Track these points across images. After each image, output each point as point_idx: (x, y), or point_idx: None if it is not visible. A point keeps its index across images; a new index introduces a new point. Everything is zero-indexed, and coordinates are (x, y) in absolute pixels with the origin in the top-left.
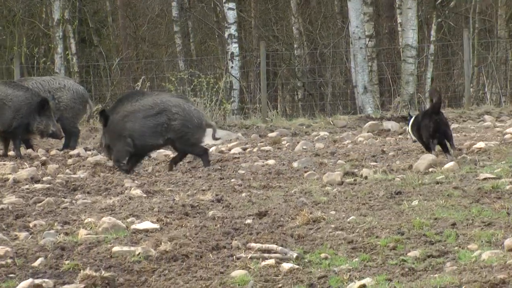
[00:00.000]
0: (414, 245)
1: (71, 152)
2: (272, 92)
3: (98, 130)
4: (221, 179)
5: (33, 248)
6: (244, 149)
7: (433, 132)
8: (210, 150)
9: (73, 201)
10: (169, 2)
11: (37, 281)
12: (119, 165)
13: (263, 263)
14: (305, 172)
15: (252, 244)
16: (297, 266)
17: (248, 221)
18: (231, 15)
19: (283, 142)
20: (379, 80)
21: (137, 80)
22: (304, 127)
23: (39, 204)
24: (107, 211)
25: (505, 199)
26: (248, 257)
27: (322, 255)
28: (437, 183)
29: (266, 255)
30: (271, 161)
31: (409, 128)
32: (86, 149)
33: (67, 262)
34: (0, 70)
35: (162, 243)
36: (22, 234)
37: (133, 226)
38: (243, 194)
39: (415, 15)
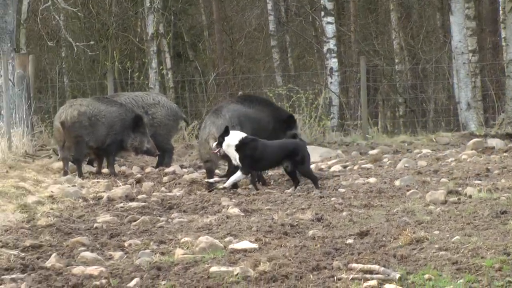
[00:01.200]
0: None
1: (167, 170)
2: (373, 108)
3: (194, 147)
4: (321, 197)
5: (128, 268)
6: (344, 167)
7: None
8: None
9: (169, 220)
10: (266, 16)
11: None
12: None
13: (365, 284)
14: (407, 190)
15: (354, 265)
16: None
17: (349, 241)
18: (330, 29)
19: (384, 160)
20: (482, 96)
21: (233, 96)
22: (406, 144)
23: (134, 223)
24: (204, 230)
25: None
26: (350, 278)
27: (426, 276)
28: None
29: (368, 276)
30: (372, 179)
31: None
32: (182, 167)
33: (163, 282)
34: (93, 85)
35: (261, 263)
36: (117, 254)
37: (231, 246)
38: (344, 213)
39: None
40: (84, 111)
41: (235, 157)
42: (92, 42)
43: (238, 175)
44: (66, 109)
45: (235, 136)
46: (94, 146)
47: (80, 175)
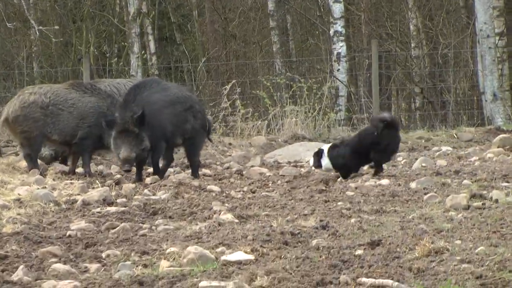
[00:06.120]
0: None
1: (150, 170)
2: (385, 100)
3: None
4: (326, 202)
5: (106, 283)
6: None
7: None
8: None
9: (153, 228)
10: None
11: None
12: None
13: None
14: (425, 194)
15: (364, 279)
16: None
17: (359, 251)
18: (338, 9)
19: (398, 159)
20: (510, 85)
21: (225, 85)
22: (423, 141)
23: (113, 231)
24: (193, 239)
25: None
26: None
27: None
28: None
29: None
30: (384, 181)
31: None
32: None
33: None
34: (65, 72)
35: (258, 277)
36: (93, 266)
37: (223, 257)
38: (352, 220)
39: None
40: (33, 101)
41: None
42: (57, 27)
43: None
44: (11, 102)
45: None
46: (59, 140)
47: (34, 171)
